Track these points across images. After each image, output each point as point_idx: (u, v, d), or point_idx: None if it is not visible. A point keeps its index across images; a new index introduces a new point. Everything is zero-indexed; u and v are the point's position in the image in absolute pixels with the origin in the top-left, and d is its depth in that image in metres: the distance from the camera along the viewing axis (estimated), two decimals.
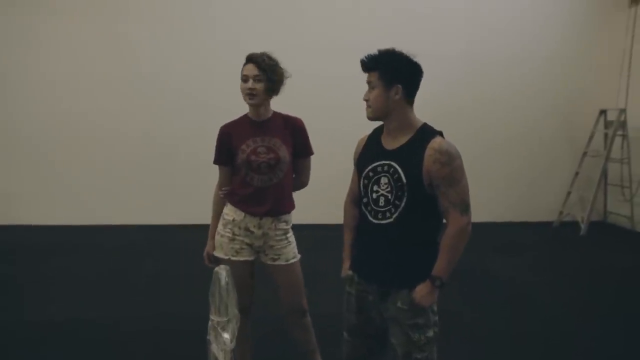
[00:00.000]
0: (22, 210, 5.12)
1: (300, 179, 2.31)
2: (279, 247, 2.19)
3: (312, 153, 2.29)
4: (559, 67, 5.86)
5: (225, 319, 1.67)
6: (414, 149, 1.69)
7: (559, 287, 3.94)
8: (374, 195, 1.73)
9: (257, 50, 2.14)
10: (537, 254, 4.82)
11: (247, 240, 2.17)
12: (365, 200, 1.77)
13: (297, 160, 2.24)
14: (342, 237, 1.94)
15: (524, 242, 5.21)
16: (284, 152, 2.14)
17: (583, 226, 5.61)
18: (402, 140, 1.72)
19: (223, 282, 1.63)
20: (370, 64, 1.70)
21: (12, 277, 3.77)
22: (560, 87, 5.90)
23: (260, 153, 2.11)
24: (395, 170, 1.69)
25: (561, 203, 5.95)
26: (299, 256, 2.25)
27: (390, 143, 1.74)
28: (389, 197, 1.70)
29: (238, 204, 2.16)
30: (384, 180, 1.71)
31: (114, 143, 5.21)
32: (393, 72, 1.67)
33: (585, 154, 5.89)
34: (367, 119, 1.78)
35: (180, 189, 5.25)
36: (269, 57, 2.11)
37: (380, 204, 1.72)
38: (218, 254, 2.20)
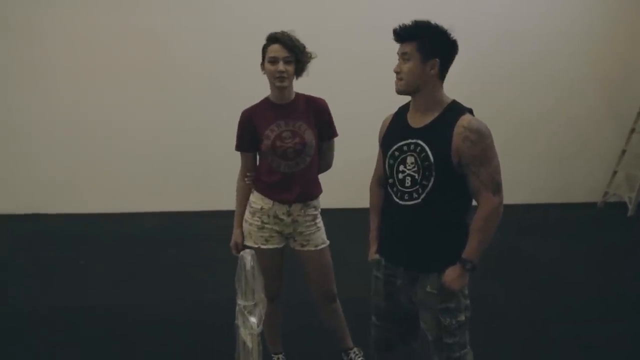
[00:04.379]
0: (55, 198, 5.25)
1: (324, 161, 2.24)
2: (308, 233, 2.15)
3: (336, 135, 2.22)
4: (605, 38, 5.50)
5: (252, 303, 1.67)
6: (442, 126, 1.61)
7: (602, 270, 3.76)
8: (400, 176, 1.67)
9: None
10: (580, 237, 4.62)
11: (276, 227, 2.13)
12: (390, 180, 1.71)
13: (321, 143, 2.17)
14: (369, 221, 1.90)
15: (566, 224, 5.00)
16: (310, 136, 2.08)
17: (631, 207, 5.32)
18: (430, 117, 1.65)
19: (248, 266, 1.62)
20: (407, 33, 1.60)
21: (45, 264, 3.88)
22: (606, 59, 5.55)
23: (285, 138, 2.04)
24: (423, 149, 1.62)
25: (606, 183, 5.65)
26: (328, 242, 2.21)
27: (417, 121, 1.67)
28: (416, 177, 1.64)
29: (266, 192, 2.11)
30: (410, 159, 1.65)
31: (139, 133, 5.28)
32: (433, 44, 1.59)
33: (633, 130, 5.56)
34: (394, 96, 1.70)
35: (206, 176, 5.28)
36: (294, 37, 2.02)
37: (406, 185, 1.66)
38: (247, 242, 2.16)
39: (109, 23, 5.10)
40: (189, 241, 4.44)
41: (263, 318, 1.72)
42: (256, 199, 2.14)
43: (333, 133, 2.20)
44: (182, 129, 5.29)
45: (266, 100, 2.14)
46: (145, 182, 5.34)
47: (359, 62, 5.08)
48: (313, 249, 2.16)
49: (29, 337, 2.75)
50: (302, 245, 2.16)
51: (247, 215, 2.17)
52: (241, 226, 2.18)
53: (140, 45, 5.15)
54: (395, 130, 1.73)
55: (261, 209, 2.12)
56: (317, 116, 2.12)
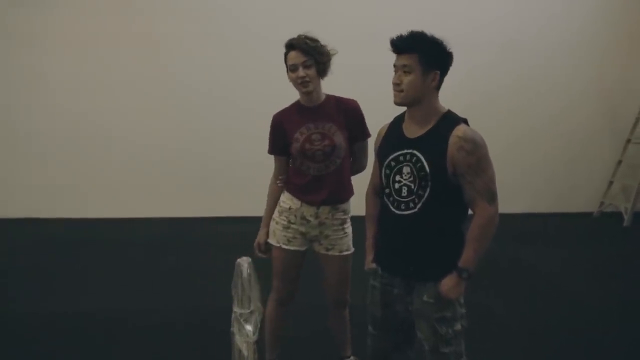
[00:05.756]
0: (55, 203, 5.28)
1: (357, 163, 2.23)
2: (334, 237, 2.14)
3: (369, 136, 2.17)
4: (604, 50, 5.55)
5: (248, 311, 1.68)
6: (438, 136, 1.63)
7: (598, 280, 3.77)
8: (397, 186, 1.69)
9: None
10: (577, 246, 4.63)
11: (302, 229, 2.12)
12: (387, 190, 1.73)
13: (353, 145, 2.15)
14: (365, 229, 1.91)
15: (563, 234, 5.01)
16: (340, 138, 2.06)
17: (626, 217, 5.35)
18: (425, 128, 1.67)
19: (245, 274, 1.64)
20: (407, 45, 1.59)
21: (45, 269, 3.89)
22: (602, 70, 5.60)
23: (314, 141, 2.03)
24: (418, 159, 1.65)
25: (602, 193, 5.68)
26: (353, 249, 2.19)
27: (413, 131, 1.69)
28: (412, 187, 1.66)
29: (296, 193, 2.12)
30: (406, 169, 1.67)
31: (139, 138, 5.31)
32: (434, 57, 1.59)
33: (629, 140, 5.59)
34: (391, 107, 1.72)
35: (207, 182, 5.28)
36: (310, 39, 2.01)
37: (403, 194, 1.68)
38: (270, 240, 2.17)
39: (111, 26, 5.14)
40: (189, 247, 4.45)
41: (259, 326, 1.73)
42: (286, 199, 2.15)
43: (365, 134, 2.17)
44: (183, 135, 5.32)
45: (296, 103, 2.14)
46: (146, 187, 5.36)
47: (359, 71, 5.10)
48: (337, 254, 2.15)
49: (28, 342, 2.76)
50: (327, 250, 2.15)
51: (275, 213, 2.18)
52: (267, 226, 2.19)
53: (142, 50, 5.20)
54: (391, 140, 1.76)
55: (289, 208, 2.12)
56: (348, 117, 2.09)
